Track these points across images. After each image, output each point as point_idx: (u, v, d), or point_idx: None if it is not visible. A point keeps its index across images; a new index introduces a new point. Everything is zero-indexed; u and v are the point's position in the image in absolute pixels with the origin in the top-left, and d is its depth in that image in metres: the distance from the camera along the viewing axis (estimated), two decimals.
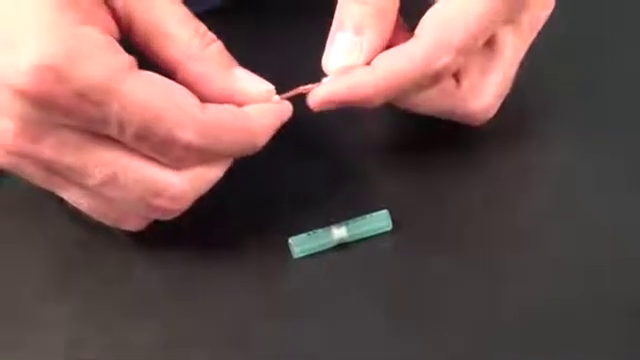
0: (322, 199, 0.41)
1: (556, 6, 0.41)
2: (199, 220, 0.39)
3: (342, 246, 0.40)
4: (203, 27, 0.37)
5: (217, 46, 0.37)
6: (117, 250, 0.40)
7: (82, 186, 0.36)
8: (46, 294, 0.38)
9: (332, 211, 0.40)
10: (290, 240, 0.40)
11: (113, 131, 0.34)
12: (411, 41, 0.37)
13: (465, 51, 0.37)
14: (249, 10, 0.48)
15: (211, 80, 0.36)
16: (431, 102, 0.39)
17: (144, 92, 0.33)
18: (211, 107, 0.35)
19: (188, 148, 0.34)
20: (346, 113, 0.40)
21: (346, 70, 0.37)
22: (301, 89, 0.38)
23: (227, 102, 0.36)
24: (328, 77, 0.38)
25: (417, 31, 0.38)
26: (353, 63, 0.37)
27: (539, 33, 0.41)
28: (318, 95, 0.37)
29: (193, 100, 0.35)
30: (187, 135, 0.34)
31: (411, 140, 0.43)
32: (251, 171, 0.41)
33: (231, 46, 0.37)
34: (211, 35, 0.37)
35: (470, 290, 0.38)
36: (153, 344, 0.37)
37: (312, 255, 0.40)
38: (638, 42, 0.47)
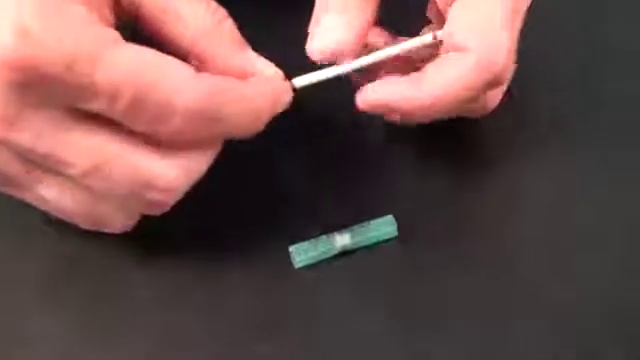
0: (324, 205, 0.39)
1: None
2: (194, 229, 0.38)
3: (345, 254, 0.38)
4: (214, 3, 0.35)
5: (229, 23, 0.36)
6: (109, 264, 0.38)
7: (64, 178, 0.34)
8: (35, 308, 0.37)
9: (334, 217, 0.38)
10: (291, 248, 0.38)
11: (102, 104, 0.31)
12: (459, 53, 0.36)
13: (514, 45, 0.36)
14: None
15: (227, 58, 0.35)
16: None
17: (135, 61, 0.32)
18: (206, 75, 0.33)
19: (186, 118, 0.32)
20: (348, 115, 0.38)
21: (334, 51, 0.36)
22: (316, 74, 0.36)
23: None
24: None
25: (461, 42, 0.36)
26: (341, 41, 0.36)
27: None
28: (369, 97, 0.37)
29: (187, 67, 0.33)
30: (184, 102, 0.32)
31: (416, 143, 0.41)
32: (249, 176, 0.40)
33: None
34: (223, 11, 0.36)
35: (477, 296, 0.37)
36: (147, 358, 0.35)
37: (313, 265, 0.38)
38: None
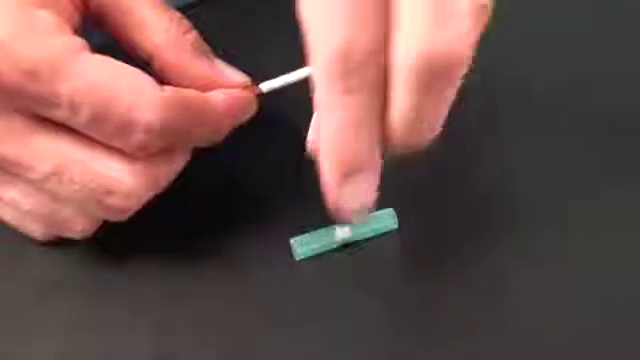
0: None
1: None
2: (191, 225, 0.38)
3: (345, 247, 0.38)
4: (178, 14, 0.36)
5: (194, 34, 0.36)
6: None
7: (26, 181, 0.34)
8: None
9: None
10: (292, 241, 0.38)
11: (64, 114, 0.32)
12: None
13: None
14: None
15: (189, 67, 0.35)
16: None
17: (98, 72, 0.32)
18: (170, 88, 0.33)
19: (149, 131, 0.32)
20: None
21: None
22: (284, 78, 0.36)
23: (204, 90, 0.35)
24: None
25: None
26: None
27: None
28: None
29: (150, 80, 0.33)
30: (147, 116, 0.32)
31: None
32: (248, 168, 0.38)
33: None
34: (187, 23, 0.36)
35: (477, 293, 0.37)
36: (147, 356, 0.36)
37: (314, 257, 0.38)
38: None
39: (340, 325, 0.36)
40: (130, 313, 0.37)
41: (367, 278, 0.38)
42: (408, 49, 0.27)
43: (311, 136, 0.33)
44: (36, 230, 0.37)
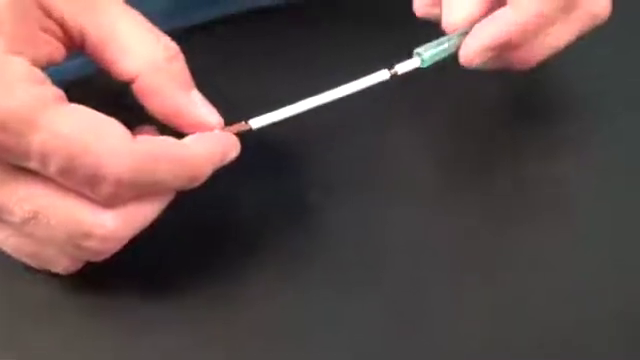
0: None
1: None
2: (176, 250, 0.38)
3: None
4: (165, 39, 0.35)
5: (180, 63, 0.36)
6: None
7: (8, 224, 0.34)
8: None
9: None
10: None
11: (35, 165, 0.32)
12: None
13: None
14: None
15: (166, 96, 0.35)
16: None
17: (68, 124, 0.32)
18: (143, 139, 0.33)
19: (118, 183, 0.32)
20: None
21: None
22: (242, 125, 0.36)
23: (175, 122, 0.35)
24: None
25: None
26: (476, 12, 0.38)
27: None
28: (471, 47, 0.38)
29: (123, 132, 0.33)
30: (116, 169, 0.32)
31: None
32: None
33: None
34: (174, 48, 0.35)
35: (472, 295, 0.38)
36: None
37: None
38: None
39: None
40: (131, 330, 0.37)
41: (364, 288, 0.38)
42: None
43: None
44: (26, 262, 0.37)
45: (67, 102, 0.33)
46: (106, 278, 0.37)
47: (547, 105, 0.44)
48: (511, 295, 0.37)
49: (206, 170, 0.34)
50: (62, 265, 0.36)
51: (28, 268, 0.37)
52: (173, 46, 0.35)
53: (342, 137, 0.42)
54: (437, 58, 0.38)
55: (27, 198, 0.33)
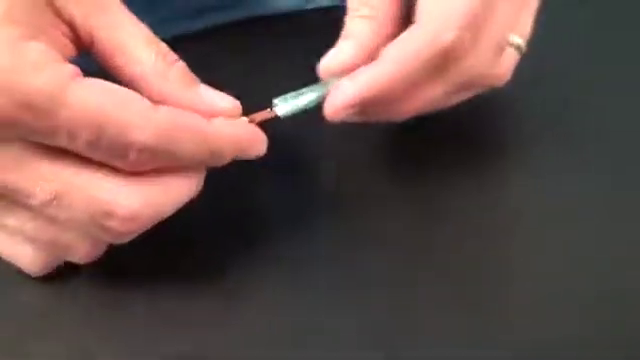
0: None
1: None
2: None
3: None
4: (165, 47, 0.36)
5: (180, 66, 0.36)
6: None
7: (27, 208, 0.34)
8: None
9: None
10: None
11: (63, 141, 0.32)
12: (412, 26, 0.36)
13: (469, 27, 0.36)
14: None
15: (176, 98, 0.35)
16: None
17: (91, 97, 0.32)
18: (165, 108, 0.34)
19: (143, 150, 0.33)
20: None
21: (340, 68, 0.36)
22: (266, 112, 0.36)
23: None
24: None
25: (416, 17, 0.36)
26: (347, 58, 0.37)
27: None
28: (336, 101, 0.36)
29: (144, 101, 0.33)
30: (142, 136, 0.32)
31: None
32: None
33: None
34: (173, 55, 0.36)
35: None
36: None
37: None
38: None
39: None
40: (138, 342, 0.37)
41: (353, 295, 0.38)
42: None
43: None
44: (36, 259, 0.36)
45: (86, 77, 0.33)
46: (105, 285, 0.38)
47: (532, 116, 0.45)
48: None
49: (227, 149, 0.35)
50: (82, 250, 0.36)
51: (29, 277, 0.37)
52: (171, 54, 0.36)
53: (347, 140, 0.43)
54: (296, 110, 0.36)
55: (48, 178, 0.33)
